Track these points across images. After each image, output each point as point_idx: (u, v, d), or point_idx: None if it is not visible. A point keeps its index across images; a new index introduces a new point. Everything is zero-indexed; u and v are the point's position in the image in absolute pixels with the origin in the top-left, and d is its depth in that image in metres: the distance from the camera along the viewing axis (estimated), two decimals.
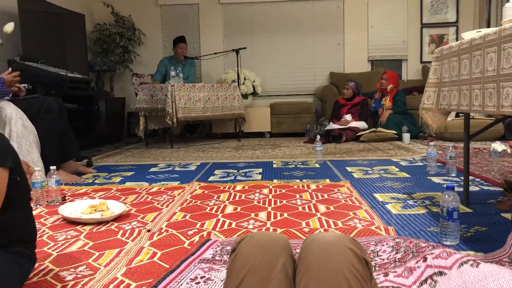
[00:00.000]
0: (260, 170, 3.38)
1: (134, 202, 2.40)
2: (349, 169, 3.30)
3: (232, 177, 3.10)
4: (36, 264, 1.41)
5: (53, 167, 2.44)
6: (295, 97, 6.52)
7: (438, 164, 3.19)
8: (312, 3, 6.49)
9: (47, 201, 2.39)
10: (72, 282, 1.34)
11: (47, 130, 2.96)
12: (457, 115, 5.09)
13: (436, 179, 2.82)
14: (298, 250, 0.84)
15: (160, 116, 4.93)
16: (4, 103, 2.79)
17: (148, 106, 5.03)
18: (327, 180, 2.88)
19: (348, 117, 5.47)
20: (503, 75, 1.48)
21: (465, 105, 1.80)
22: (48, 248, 1.66)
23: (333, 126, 5.34)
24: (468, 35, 1.83)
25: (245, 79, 6.07)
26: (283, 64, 6.58)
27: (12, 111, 2.78)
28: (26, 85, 3.67)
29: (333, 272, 0.69)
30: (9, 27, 3.66)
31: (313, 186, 2.68)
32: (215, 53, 5.72)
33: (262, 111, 6.14)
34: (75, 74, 4.10)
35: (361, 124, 5.39)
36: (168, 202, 2.36)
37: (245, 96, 5.99)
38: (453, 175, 2.91)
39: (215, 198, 2.45)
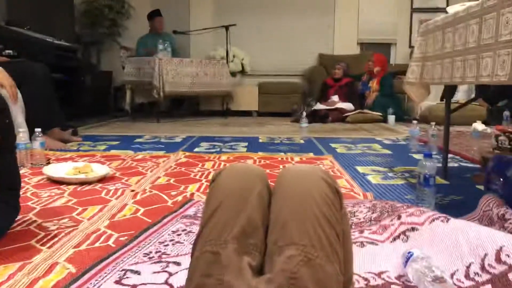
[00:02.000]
0: (246, 144, 3.41)
1: (119, 167, 2.42)
2: (333, 145, 3.35)
3: (218, 149, 3.13)
4: (19, 216, 1.43)
5: (38, 129, 2.44)
6: (283, 77, 6.49)
7: (420, 143, 3.26)
8: None
9: (31, 163, 2.39)
10: (55, 232, 1.37)
11: (32, 95, 2.93)
12: (441, 100, 5.14)
13: (417, 156, 2.88)
14: None
15: (147, 90, 4.90)
16: None
17: (135, 80, 5.00)
18: (311, 154, 2.92)
19: (335, 98, 5.50)
20: (483, 45, 1.51)
21: (447, 78, 1.84)
22: (32, 203, 1.67)
23: (320, 106, 5.37)
24: (452, 9, 1.86)
25: (234, 57, 6.05)
26: (273, 44, 6.54)
27: None
28: (11, 51, 3.64)
29: (304, 196, 0.73)
30: None
31: (296, 159, 2.72)
32: (205, 29, 5.68)
33: (250, 90, 6.14)
34: (61, 41, 4.05)
35: (348, 105, 5.42)
36: (152, 168, 2.38)
37: (233, 74, 5.98)
38: (434, 153, 2.97)
39: (199, 166, 2.47)
